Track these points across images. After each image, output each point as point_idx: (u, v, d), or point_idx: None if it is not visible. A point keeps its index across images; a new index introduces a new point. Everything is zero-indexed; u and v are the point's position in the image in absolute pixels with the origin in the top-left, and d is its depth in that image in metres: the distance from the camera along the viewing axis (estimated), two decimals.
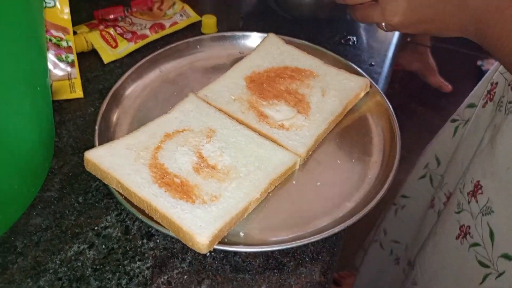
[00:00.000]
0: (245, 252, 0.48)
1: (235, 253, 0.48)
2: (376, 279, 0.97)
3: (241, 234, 0.48)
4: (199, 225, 0.45)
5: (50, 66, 0.62)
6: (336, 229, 0.47)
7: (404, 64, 1.71)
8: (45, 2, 0.58)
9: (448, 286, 0.63)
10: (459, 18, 0.50)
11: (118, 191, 0.49)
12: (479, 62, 1.89)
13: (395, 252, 0.90)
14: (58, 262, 0.46)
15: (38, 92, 0.42)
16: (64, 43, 0.61)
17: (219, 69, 0.69)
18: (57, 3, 0.59)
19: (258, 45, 0.70)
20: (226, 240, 0.47)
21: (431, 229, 0.69)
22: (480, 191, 0.56)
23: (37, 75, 0.42)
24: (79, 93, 0.64)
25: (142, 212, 0.48)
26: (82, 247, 0.48)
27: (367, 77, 0.65)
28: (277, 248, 0.46)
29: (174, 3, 0.81)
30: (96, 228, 0.49)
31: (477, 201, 0.57)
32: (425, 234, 0.72)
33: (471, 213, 0.58)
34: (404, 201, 0.86)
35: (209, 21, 0.77)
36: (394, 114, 0.61)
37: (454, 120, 0.75)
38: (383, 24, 0.55)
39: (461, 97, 0.77)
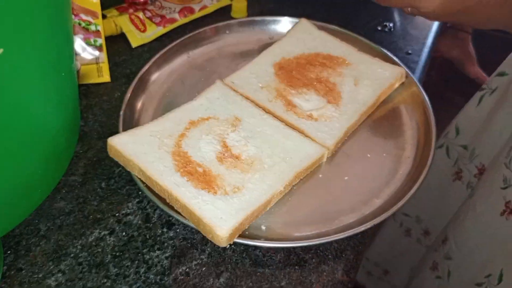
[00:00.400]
0: (266, 247, 0.46)
1: (256, 247, 0.46)
2: (387, 251, 0.96)
3: (263, 227, 0.47)
4: (220, 217, 0.43)
5: (78, 50, 0.62)
6: (362, 228, 0.45)
7: (443, 50, 1.63)
8: None
9: (488, 260, 0.61)
10: (504, 11, 0.46)
11: (140, 179, 0.49)
12: None
13: (405, 225, 0.89)
14: (79, 247, 0.46)
15: (62, 77, 0.42)
16: (92, 27, 0.61)
17: (248, 55, 0.67)
18: None
19: (289, 31, 0.67)
20: (247, 233, 0.46)
21: (466, 204, 0.66)
22: None
23: (62, 61, 0.42)
24: (106, 78, 0.64)
25: (163, 201, 0.47)
26: (103, 233, 0.47)
27: (403, 66, 0.61)
28: (299, 244, 0.45)
29: None
30: (117, 214, 0.49)
31: None
32: (453, 207, 0.70)
33: None
34: None
35: (240, 5, 0.75)
36: (430, 106, 0.57)
37: (481, 89, 0.71)
38: (409, 8, 0.51)
39: None
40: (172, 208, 0.46)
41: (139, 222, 0.49)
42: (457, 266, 0.67)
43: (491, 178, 0.61)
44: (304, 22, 0.68)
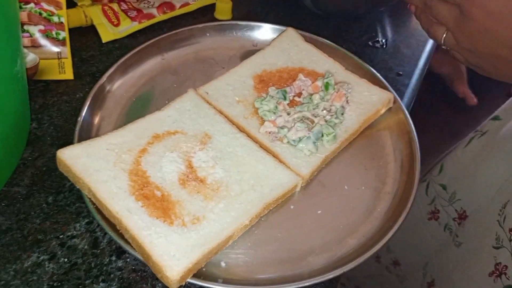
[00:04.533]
0: None
1: None
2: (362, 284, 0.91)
3: (223, 264, 0.42)
4: (173, 254, 0.39)
5: (42, 42, 0.56)
6: (332, 274, 0.41)
7: (434, 65, 1.59)
8: None
9: None
10: None
11: (90, 199, 0.43)
12: None
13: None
14: (12, 272, 0.41)
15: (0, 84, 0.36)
16: (55, 18, 0.55)
17: (227, 62, 0.62)
18: None
19: (274, 40, 0.62)
20: (204, 269, 0.41)
21: (453, 252, 0.62)
22: None
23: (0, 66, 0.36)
24: (68, 75, 0.58)
25: (115, 226, 0.42)
26: (41, 258, 0.42)
27: (392, 91, 0.57)
28: None
29: None
30: (61, 236, 0.44)
31: None
32: (429, 247, 0.68)
33: (511, 253, 0.52)
34: None
35: (224, 6, 0.70)
36: (416, 137, 0.53)
37: (475, 131, 0.67)
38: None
39: (487, 106, 0.70)
40: (123, 236, 0.41)
41: (86, 247, 0.43)
42: None
43: (482, 233, 0.57)
44: (291, 31, 0.63)
